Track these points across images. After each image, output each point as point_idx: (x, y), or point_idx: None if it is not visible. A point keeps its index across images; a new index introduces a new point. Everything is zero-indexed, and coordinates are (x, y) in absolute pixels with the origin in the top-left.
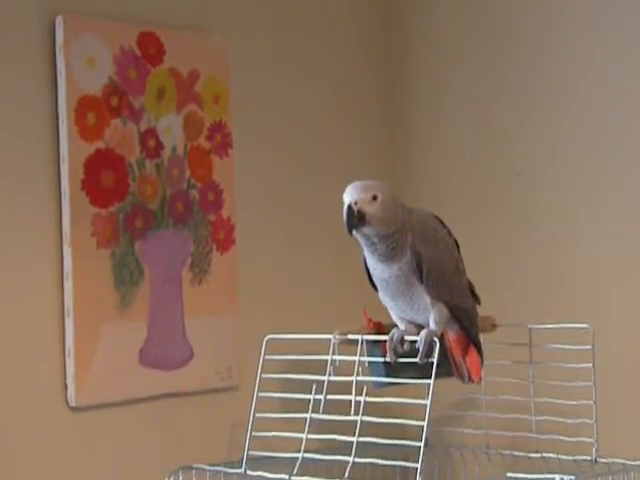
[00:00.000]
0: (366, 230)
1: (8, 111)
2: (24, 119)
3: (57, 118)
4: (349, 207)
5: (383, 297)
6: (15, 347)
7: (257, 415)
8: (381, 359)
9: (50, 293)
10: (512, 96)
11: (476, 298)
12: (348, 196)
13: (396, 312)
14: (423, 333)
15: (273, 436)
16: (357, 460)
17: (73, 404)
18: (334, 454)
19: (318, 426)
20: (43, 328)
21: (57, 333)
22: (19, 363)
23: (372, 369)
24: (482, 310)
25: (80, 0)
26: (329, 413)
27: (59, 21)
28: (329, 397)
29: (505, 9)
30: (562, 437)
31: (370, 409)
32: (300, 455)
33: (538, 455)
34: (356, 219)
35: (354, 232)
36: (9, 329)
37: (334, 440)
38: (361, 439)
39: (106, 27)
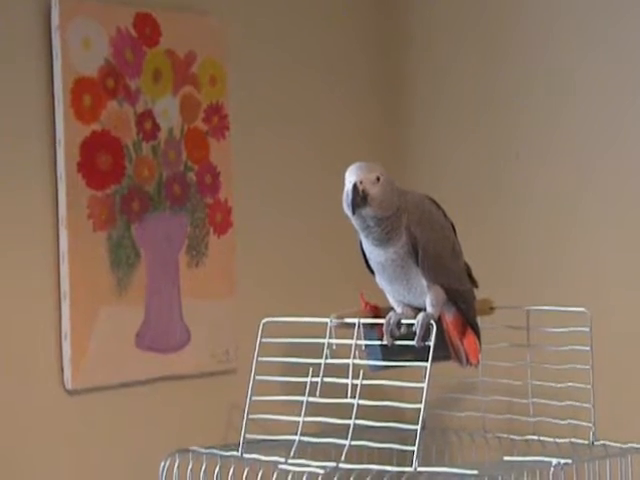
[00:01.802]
0: (365, 212)
1: (3, 93)
2: (20, 101)
3: (53, 100)
4: (354, 186)
5: (380, 281)
6: (11, 330)
7: (254, 398)
8: (378, 342)
9: (46, 276)
10: (511, 78)
11: (473, 281)
12: (353, 175)
13: (393, 295)
14: (420, 316)
15: (270, 419)
16: (354, 443)
17: (69, 387)
18: (331, 437)
19: (315, 409)
20: (39, 311)
21: (53, 316)
22: (16, 346)
23: (369, 352)
24: (480, 293)
25: None
26: (326, 396)
27: (55, 2)
28: (326, 380)
29: None
30: (559, 420)
31: (367, 392)
32: (297, 438)
33: (535, 438)
34: (360, 199)
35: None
36: (5, 312)
37: (331, 423)
38: (358, 422)
39: (102, 8)
